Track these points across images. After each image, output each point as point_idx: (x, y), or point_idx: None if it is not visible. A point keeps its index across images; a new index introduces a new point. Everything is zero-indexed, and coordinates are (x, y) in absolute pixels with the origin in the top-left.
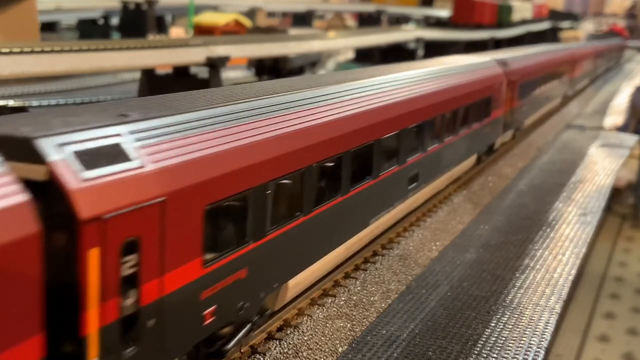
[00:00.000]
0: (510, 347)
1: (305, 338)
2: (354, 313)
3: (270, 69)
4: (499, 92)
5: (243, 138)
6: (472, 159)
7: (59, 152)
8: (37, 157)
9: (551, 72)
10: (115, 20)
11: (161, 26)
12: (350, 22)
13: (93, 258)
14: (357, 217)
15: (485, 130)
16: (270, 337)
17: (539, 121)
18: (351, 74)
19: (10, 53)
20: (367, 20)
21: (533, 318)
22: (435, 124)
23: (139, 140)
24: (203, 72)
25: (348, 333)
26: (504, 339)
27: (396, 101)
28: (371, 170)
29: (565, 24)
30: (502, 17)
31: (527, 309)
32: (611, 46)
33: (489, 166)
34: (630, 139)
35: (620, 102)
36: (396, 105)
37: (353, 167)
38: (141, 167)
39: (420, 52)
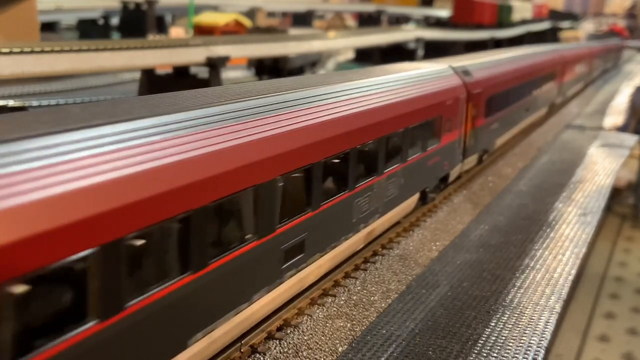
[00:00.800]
0: (510, 346)
1: (305, 337)
2: (354, 313)
3: (270, 69)
4: (456, 108)
5: None
6: (412, 200)
7: None
8: None
9: (532, 79)
10: (115, 20)
11: (161, 26)
12: (350, 22)
13: None
14: (164, 340)
15: (432, 161)
16: (270, 337)
17: (537, 123)
18: (209, 95)
19: (10, 53)
20: (367, 20)
21: (533, 318)
22: (336, 167)
23: None
24: (203, 72)
25: (348, 333)
26: (504, 338)
27: (262, 137)
28: (190, 259)
29: (565, 24)
30: (502, 17)
31: (527, 308)
32: (609, 46)
33: (489, 166)
34: (630, 139)
35: (620, 102)
36: (260, 144)
37: (145, 261)
38: None
39: (420, 52)
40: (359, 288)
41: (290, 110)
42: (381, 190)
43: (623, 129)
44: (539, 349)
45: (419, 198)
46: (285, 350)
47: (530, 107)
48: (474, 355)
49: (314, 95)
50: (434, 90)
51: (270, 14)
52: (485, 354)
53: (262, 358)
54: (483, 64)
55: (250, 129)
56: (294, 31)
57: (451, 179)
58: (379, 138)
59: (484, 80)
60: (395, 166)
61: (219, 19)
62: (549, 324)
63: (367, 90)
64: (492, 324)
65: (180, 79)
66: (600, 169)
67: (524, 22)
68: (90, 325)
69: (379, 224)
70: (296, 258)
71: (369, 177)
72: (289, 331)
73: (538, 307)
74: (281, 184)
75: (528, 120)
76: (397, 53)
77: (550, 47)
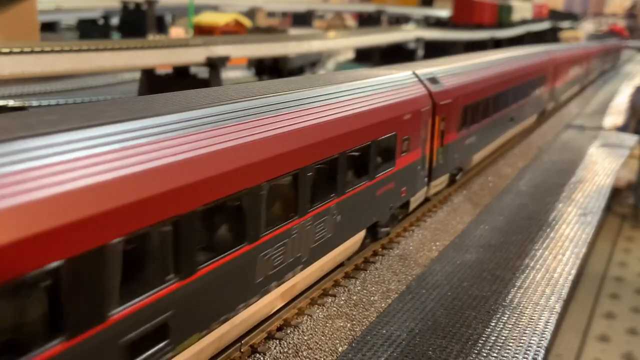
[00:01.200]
0: (510, 346)
1: (305, 337)
2: (354, 313)
3: (270, 69)
4: (417, 123)
5: None
6: (356, 239)
7: None
8: None
9: (517, 85)
10: (115, 20)
11: (161, 26)
12: (350, 22)
13: None
14: None
15: (383, 188)
16: (270, 337)
17: (538, 123)
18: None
19: (10, 53)
20: (367, 20)
21: (533, 318)
22: (225, 214)
23: None
24: (203, 72)
25: (348, 333)
26: (504, 338)
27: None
28: None
29: (565, 24)
30: (502, 17)
31: (527, 308)
32: (607, 47)
33: (489, 166)
34: (630, 139)
35: (620, 102)
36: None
37: None
38: None
39: (420, 52)
40: (359, 288)
41: (142, 142)
42: (304, 235)
43: (623, 129)
44: (539, 349)
45: (366, 236)
46: (285, 350)
47: (515, 116)
48: (474, 355)
49: (202, 116)
50: (386, 104)
51: (270, 14)
52: (485, 354)
53: (262, 358)
54: (456, 69)
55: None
56: (294, 31)
57: (413, 206)
58: (299, 170)
59: (455, 88)
60: (325, 202)
61: (219, 19)
62: (549, 324)
63: (287, 108)
64: (492, 324)
65: (180, 79)
66: (600, 169)
67: (524, 22)
68: None
69: (304, 276)
70: (153, 350)
71: (282, 222)
72: (289, 331)
73: (538, 307)
74: (119, 250)
75: (513, 130)
76: (397, 53)
77: (540, 49)
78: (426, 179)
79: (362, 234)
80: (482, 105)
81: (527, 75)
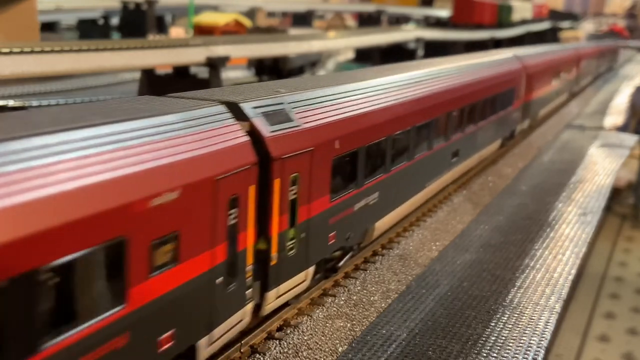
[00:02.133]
0: (510, 346)
1: (305, 338)
2: (354, 313)
3: (270, 69)
4: (207, 204)
5: None
6: None
7: None
8: None
9: (466, 106)
10: (115, 20)
11: (161, 26)
12: (350, 22)
13: None
14: None
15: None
16: (270, 337)
17: (538, 122)
18: None
19: (10, 53)
20: (367, 20)
21: (533, 318)
22: None
23: None
24: (203, 72)
25: (348, 333)
26: (503, 338)
27: None
28: None
29: (565, 24)
30: (502, 17)
31: (527, 308)
32: (602, 48)
33: (489, 166)
34: (630, 139)
35: (620, 102)
36: None
37: None
38: None
39: (420, 52)
40: (359, 288)
41: None
42: None
43: (623, 129)
44: (539, 349)
45: None
46: (285, 350)
47: (462, 148)
48: (473, 355)
49: None
50: (96, 181)
51: (270, 14)
52: (485, 354)
53: (262, 358)
54: (339, 92)
55: None
56: (294, 31)
57: (207, 353)
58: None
59: (325, 126)
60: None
61: (219, 19)
62: (549, 324)
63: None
64: (492, 324)
65: (181, 79)
66: (600, 169)
67: (524, 22)
68: None
69: None
70: None
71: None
72: (289, 331)
73: (538, 307)
74: None
75: (460, 168)
76: (397, 53)
77: (509, 54)
78: (250, 290)
79: None
80: (389, 145)
81: (481, 91)
